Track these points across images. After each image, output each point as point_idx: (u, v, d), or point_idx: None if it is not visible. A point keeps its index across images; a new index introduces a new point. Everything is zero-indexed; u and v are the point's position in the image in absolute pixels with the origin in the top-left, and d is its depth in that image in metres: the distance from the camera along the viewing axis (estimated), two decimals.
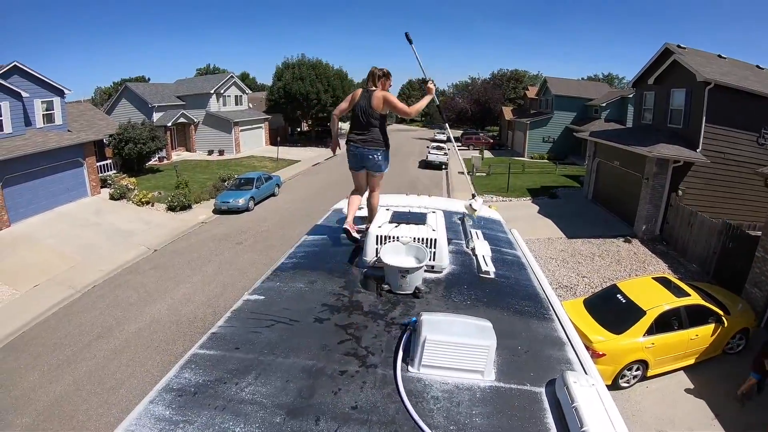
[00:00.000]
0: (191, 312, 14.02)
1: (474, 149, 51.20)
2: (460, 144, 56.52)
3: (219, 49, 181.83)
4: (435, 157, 39.01)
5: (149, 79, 69.22)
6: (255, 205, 25.97)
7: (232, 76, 47.03)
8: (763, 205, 20.60)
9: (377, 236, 4.37)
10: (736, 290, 14.24)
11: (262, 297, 3.86)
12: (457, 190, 30.81)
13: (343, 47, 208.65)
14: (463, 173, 36.97)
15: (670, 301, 11.13)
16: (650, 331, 10.58)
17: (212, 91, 43.77)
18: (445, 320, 3.08)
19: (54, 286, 16.14)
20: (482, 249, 4.96)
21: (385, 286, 3.98)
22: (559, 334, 3.52)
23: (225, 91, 45.47)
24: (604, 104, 43.81)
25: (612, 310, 11.24)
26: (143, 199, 25.51)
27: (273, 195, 28.47)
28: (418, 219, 4.88)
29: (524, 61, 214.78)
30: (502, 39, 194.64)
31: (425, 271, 4.22)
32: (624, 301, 11.35)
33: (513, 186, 30.96)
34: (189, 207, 25.09)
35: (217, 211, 24.76)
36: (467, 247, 5.18)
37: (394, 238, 4.33)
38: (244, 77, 76.73)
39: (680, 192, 19.61)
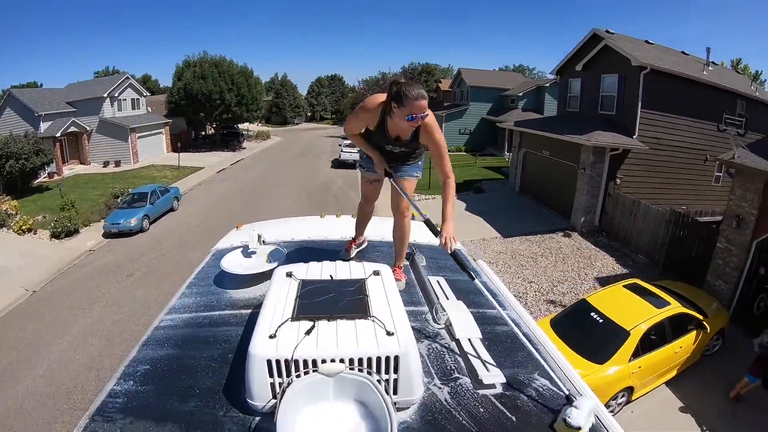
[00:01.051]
0: (70, 378, 11.62)
1: None
2: None
3: (119, 51, 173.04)
4: (348, 155, 37.28)
5: (41, 86, 64.15)
6: (150, 223, 23.27)
7: (128, 77, 43.36)
8: (704, 191, 21.09)
9: (268, 361, 2.36)
10: (689, 280, 13.86)
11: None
12: None
13: (249, 45, 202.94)
14: None
15: (652, 315, 10.01)
16: (636, 354, 9.38)
17: (106, 95, 39.85)
18: None
19: None
20: (463, 324, 3.24)
21: None
22: None
23: (120, 94, 41.76)
24: (520, 94, 44.13)
25: (589, 333, 9.86)
26: (24, 227, 22.38)
27: (172, 210, 25.79)
28: (350, 298, 2.83)
29: (434, 55, 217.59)
30: (411, 33, 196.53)
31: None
32: (600, 320, 10.03)
33: (434, 182, 29.45)
34: (76, 232, 22.18)
35: (107, 234, 21.95)
36: (436, 321, 3.34)
37: (305, 362, 2.37)
38: (145, 80, 73.09)
39: (618, 181, 19.15)
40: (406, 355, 2.40)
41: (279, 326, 2.51)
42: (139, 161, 41.13)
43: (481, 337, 3.13)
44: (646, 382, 9.98)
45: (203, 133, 56.99)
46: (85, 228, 23.07)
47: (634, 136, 19.31)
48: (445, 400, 2.56)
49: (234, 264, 4.08)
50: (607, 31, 21.71)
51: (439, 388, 2.66)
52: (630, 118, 19.62)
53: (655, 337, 9.98)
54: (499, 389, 2.66)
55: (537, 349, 3.14)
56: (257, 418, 2.41)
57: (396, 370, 2.40)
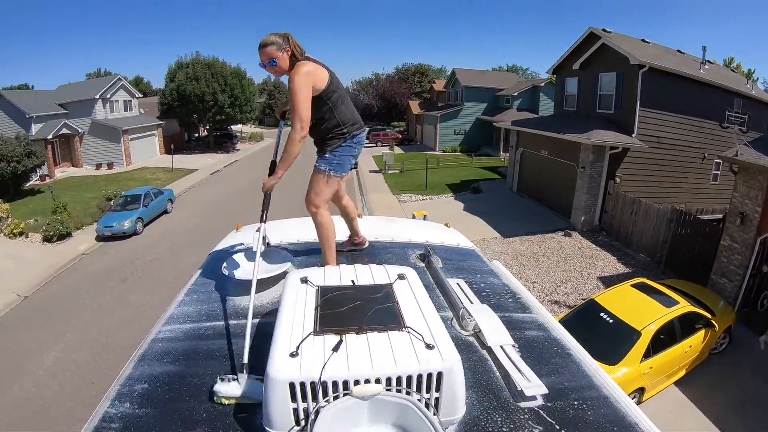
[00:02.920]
0: (60, 389, 11.22)
1: (383, 146, 50.43)
2: (367, 141, 55.60)
3: (111, 53, 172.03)
4: None
5: (33, 88, 63.58)
6: (144, 226, 22.86)
7: (120, 79, 42.94)
8: (702, 189, 21.08)
9: (291, 384, 2.05)
10: (693, 278, 13.69)
11: None
12: (371, 191, 29.20)
13: (241, 46, 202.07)
14: (375, 172, 36.09)
15: (662, 314, 9.81)
16: (647, 354, 9.18)
17: (97, 96, 39.48)
18: None
19: None
20: (493, 330, 2.92)
21: None
22: None
23: (112, 95, 41.37)
24: (515, 94, 43.93)
25: (598, 333, 9.62)
26: (15, 230, 21.87)
27: (165, 212, 25.41)
28: (379, 306, 2.50)
29: (427, 55, 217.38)
30: (404, 34, 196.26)
31: None
32: (611, 320, 9.82)
33: (431, 182, 29.59)
34: (68, 235, 21.81)
35: (100, 237, 21.54)
36: (463, 328, 3.03)
37: (334, 384, 2.06)
38: (137, 82, 72.29)
39: (618, 179, 19.02)
40: (450, 370, 2.10)
41: (300, 342, 2.19)
42: (132, 163, 40.78)
43: (513, 343, 2.84)
44: (657, 383, 9.79)
45: (196, 134, 56.62)
46: (77, 231, 22.73)
47: (633, 135, 19.20)
48: (486, 417, 2.27)
49: (237, 268, 3.76)
50: (604, 30, 21.63)
51: (476, 403, 2.35)
52: (629, 116, 19.52)
53: (666, 337, 9.79)
54: (540, 401, 2.39)
55: (570, 354, 2.90)
56: None
57: (438, 388, 2.11)
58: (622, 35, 22.35)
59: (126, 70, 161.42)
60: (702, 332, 10.37)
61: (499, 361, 2.65)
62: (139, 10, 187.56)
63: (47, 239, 21.53)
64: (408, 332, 2.25)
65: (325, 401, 2.01)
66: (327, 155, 3.76)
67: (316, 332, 2.26)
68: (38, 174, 33.13)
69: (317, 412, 1.97)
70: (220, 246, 4.74)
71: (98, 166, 39.49)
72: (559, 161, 21.78)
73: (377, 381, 2.04)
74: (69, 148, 39.72)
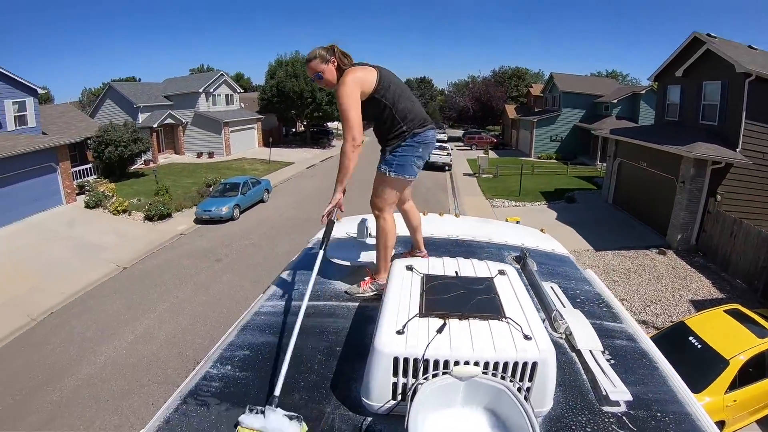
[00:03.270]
0: (152, 353, 11.77)
1: (477, 149, 49.51)
2: (462, 144, 54.91)
3: (214, 50, 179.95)
4: (438, 158, 36.04)
5: (140, 80, 67.03)
6: (241, 213, 23.57)
7: (222, 75, 44.51)
8: None
9: (395, 359, 2.15)
10: None
11: None
12: (464, 194, 28.77)
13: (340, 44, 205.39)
14: (468, 175, 35.37)
15: (753, 345, 8.97)
16: (733, 386, 8.45)
17: (201, 90, 41.24)
18: None
19: (8, 312, 14.02)
20: (584, 334, 2.89)
21: None
22: None
23: (215, 90, 42.95)
24: (614, 101, 41.64)
25: (685, 357, 8.89)
26: (119, 208, 23.26)
27: (262, 201, 26.09)
28: (480, 297, 2.52)
29: (524, 59, 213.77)
30: (501, 37, 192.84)
31: None
32: (699, 345, 9.15)
33: (525, 189, 28.71)
34: (169, 216, 22.83)
35: (199, 220, 22.44)
36: (555, 329, 3.00)
37: (435, 363, 2.12)
38: (238, 78, 74.64)
39: (719, 197, 17.55)
40: (545, 362, 2.15)
41: (407, 322, 2.28)
42: (231, 154, 42.09)
43: (602, 349, 2.83)
44: (739, 418, 9.01)
45: (294, 130, 57.72)
46: (177, 213, 23.69)
47: (737, 150, 17.57)
48: (570, 416, 2.30)
49: (341, 254, 3.88)
50: (709, 35, 20.06)
51: (562, 401, 2.38)
52: (733, 129, 17.85)
53: (754, 370, 8.95)
54: (623, 407, 2.38)
55: (657, 368, 2.87)
56: (369, 419, 2.22)
57: (531, 378, 2.16)
58: (728, 41, 20.74)
59: (227, 66, 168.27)
60: None
61: (587, 364, 2.66)
62: (241, 9, 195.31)
63: (149, 218, 22.59)
64: (507, 322, 2.30)
65: (424, 378, 2.09)
66: (387, 156, 3.54)
67: (421, 314, 2.34)
68: (143, 159, 34.60)
69: (416, 388, 2.04)
70: (320, 235, 4.70)
71: (199, 155, 41.08)
72: (657, 174, 20.44)
73: (476, 364, 2.09)
74: (172, 136, 41.69)
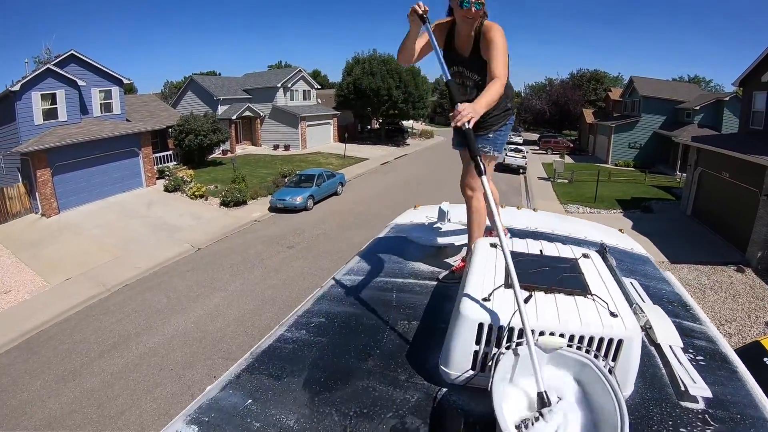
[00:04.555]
0: (219, 329, 11.93)
1: (553, 153, 48.25)
2: (537, 147, 53.71)
3: (292, 47, 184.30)
4: (513, 160, 35.92)
5: (220, 75, 69.16)
6: (314, 204, 23.77)
7: (300, 71, 45.26)
8: None
9: (480, 325, 2.08)
10: None
11: None
12: (538, 198, 28.14)
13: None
14: (543, 179, 34.48)
15: None
16: None
17: (279, 85, 42.09)
18: None
19: (85, 281, 14.86)
20: (664, 329, 2.73)
21: None
22: None
23: (293, 85, 43.74)
24: (697, 107, 39.07)
25: (759, 380, 8.25)
26: (197, 192, 24.05)
27: (335, 194, 26.26)
28: (565, 274, 2.44)
29: (603, 62, 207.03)
30: (579, 38, 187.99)
31: None
32: None
33: (600, 195, 27.81)
34: (244, 203, 23.35)
35: (273, 208, 22.77)
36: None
37: (520, 332, 2.04)
38: (315, 75, 75.43)
39: None
40: (630, 341, 2.04)
41: (493, 291, 2.20)
42: (306, 147, 42.75)
43: (683, 346, 2.68)
44: None
45: (369, 127, 57.93)
46: (252, 201, 24.13)
47: None
48: (648, 406, 2.18)
49: (422, 236, 3.89)
50: None
51: (640, 391, 2.26)
52: None
53: None
54: (701, 404, 2.23)
55: (736, 371, 2.71)
56: (444, 390, 2.15)
57: (615, 357, 2.05)
58: None
59: (305, 64, 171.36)
60: None
61: (667, 358, 2.53)
62: (320, 8, 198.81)
63: (224, 204, 23.15)
64: (593, 299, 2.20)
65: (507, 347, 2.02)
66: (491, 135, 3.41)
67: (507, 286, 2.24)
68: (221, 149, 35.65)
69: (498, 357, 1.95)
70: (399, 220, 4.96)
71: (275, 147, 41.97)
72: (740, 186, 19.15)
73: (561, 336, 2.00)
74: (250, 128, 42.84)
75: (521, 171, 36.29)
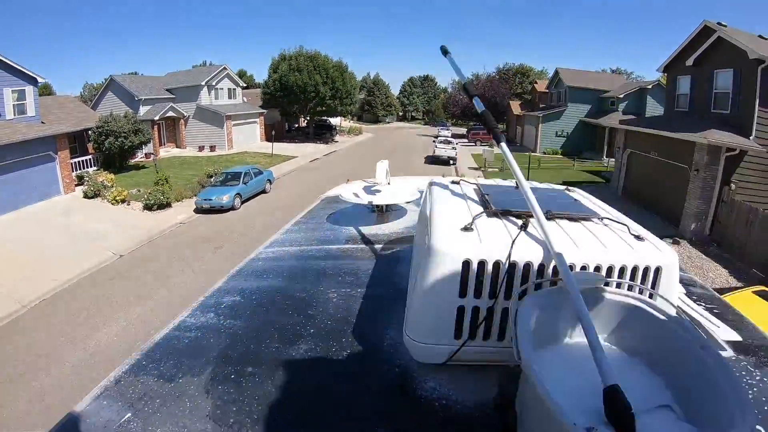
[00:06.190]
0: (145, 338, 11.27)
1: (481, 144, 49.08)
2: (465, 141, 54.62)
3: (216, 47, 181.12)
4: (443, 151, 36.61)
5: (142, 75, 67.17)
6: (242, 203, 23.23)
7: (224, 68, 44.24)
8: None
9: (465, 262, 1.51)
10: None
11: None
12: None
13: (344, 42, 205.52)
14: (474, 168, 35.03)
15: None
16: None
17: (203, 83, 41.00)
18: None
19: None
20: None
21: None
22: None
23: (217, 83, 42.73)
24: (621, 96, 41.11)
25: None
26: (118, 197, 22.89)
27: (264, 192, 25.76)
28: (559, 201, 2.05)
29: (527, 58, 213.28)
30: (504, 36, 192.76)
31: None
32: None
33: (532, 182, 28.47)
34: (168, 205, 22.43)
35: (199, 209, 22.02)
36: None
37: (526, 267, 1.53)
38: (241, 75, 74.26)
39: (733, 186, 17.29)
40: (670, 267, 1.59)
41: (474, 219, 1.68)
42: (233, 147, 41.81)
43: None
44: None
45: (296, 125, 57.51)
46: (177, 203, 23.28)
47: (750, 137, 17.38)
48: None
49: (357, 196, 3.52)
50: (719, 24, 19.95)
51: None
52: (746, 117, 17.69)
53: None
54: (730, 352, 1.90)
55: (743, 316, 2.41)
56: (418, 373, 1.64)
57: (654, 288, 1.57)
58: (738, 30, 20.54)
59: (231, 63, 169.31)
60: None
61: (684, 311, 2.15)
62: (243, 6, 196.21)
63: (148, 207, 22.19)
64: (606, 224, 1.77)
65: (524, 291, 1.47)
66: None
67: (489, 213, 1.78)
68: (144, 151, 34.25)
69: (517, 309, 1.34)
70: (330, 192, 4.79)
71: (201, 148, 40.71)
72: (669, 164, 20.27)
73: (583, 268, 1.51)
74: (174, 129, 41.35)
75: (451, 162, 36.76)
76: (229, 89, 44.56)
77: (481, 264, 1.48)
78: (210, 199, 22.00)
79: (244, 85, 49.54)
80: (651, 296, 1.51)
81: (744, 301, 9.86)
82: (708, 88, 19.98)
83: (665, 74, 24.96)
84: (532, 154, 42.12)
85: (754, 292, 10.38)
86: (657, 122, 23.57)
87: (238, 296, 2.33)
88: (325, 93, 46.27)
